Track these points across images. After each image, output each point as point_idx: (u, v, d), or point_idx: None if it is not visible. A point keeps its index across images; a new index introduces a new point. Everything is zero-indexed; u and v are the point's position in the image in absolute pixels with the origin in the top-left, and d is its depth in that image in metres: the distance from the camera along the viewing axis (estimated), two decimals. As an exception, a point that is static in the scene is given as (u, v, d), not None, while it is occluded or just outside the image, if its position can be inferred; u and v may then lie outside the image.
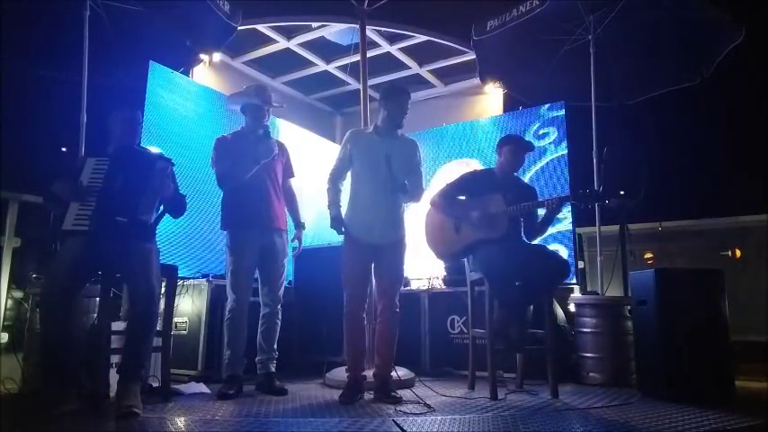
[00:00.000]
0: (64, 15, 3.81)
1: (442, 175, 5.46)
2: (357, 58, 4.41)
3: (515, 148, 3.31)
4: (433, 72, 6.13)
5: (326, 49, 5.80)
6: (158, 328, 2.71)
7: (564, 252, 4.60)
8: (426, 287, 4.52)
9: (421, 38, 5.44)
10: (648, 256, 5.20)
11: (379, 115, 3.15)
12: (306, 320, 4.18)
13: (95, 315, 2.89)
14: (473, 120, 5.65)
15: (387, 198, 3.01)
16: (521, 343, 3.09)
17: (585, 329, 3.60)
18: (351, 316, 3.01)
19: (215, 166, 3.19)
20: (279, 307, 3.25)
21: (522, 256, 3.07)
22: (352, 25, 4.88)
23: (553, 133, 4.90)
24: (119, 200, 2.59)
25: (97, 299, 2.87)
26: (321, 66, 5.98)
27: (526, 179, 4.84)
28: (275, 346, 3.24)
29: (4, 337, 3.40)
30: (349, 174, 3.19)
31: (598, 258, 4.16)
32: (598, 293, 3.81)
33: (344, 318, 3.03)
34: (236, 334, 3.12)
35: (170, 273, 3.02)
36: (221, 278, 3.61)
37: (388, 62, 5.89)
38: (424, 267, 4.60)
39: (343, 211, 3.12)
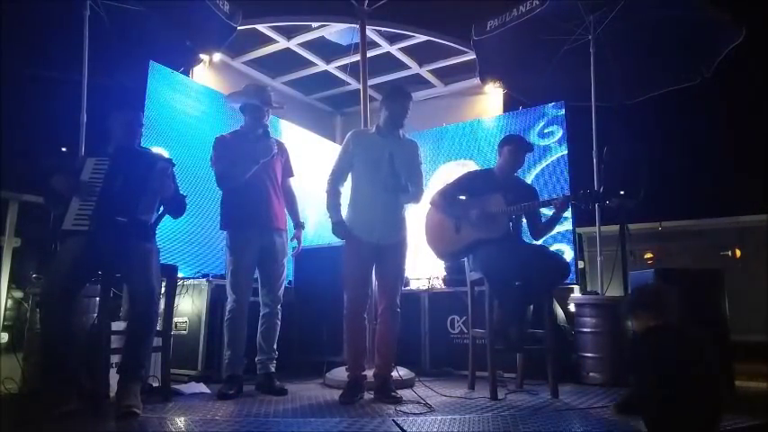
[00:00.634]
0: (64, 15, 3.81)
1: (441, 175, 5.46)
2: (357, 58, 4.41)
3: (515, 148, 3.31)
4: (433, 72, 6.13)
5: (326, 49, 5.80)
6: (158, 328, 2.71)
7: (569, 252, 4.60)
8: (426, 287, 4.52)
9: (421, 38, 5.44)
10: (648, 256, 5.20)
11: (381, 116, 3.16)
12: (306, 320, 4.18)
13: (95, 315, 2.89)
14: (477, 119, 5.65)
15: (388, 198, 3.01)
16: (521, 343, 3.08)
17: (585, 329, 3.60)
18: (351, 316, 3.01)
19: (214, 165, 3.19)
20: (279, 307, 3.24)
21: (522, 256, 3.07)
22: (352, 25, 4.89)
23: (558, 132, 4.90)
24: (119, 200, 2.59)
25: (97, 299, 2.87)
26: (321, 66, 5.98)
27: (530, 177, 4.85)
28: (275, 346, 3.23)
29: (4, 337, 3.40)
30: (349, 175, 3.19)
31: (598, 258, 4.16)
32: (598, 293, 3.81)
33: (345, 318, 3.03)
34: (236, 334, 3.11)
35: (170, 273, 3.02)
36: (221, 278, 3.61)
37: (388, 62, 5.89)
38: (424, 267, 4.60)
39: (344, 211, 3.12)
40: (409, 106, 3.13)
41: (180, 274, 3.89)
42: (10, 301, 3.50)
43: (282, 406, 2.77)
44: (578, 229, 4.84)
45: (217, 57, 5.22)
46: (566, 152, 4.81)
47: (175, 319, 3.54)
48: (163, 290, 2.88)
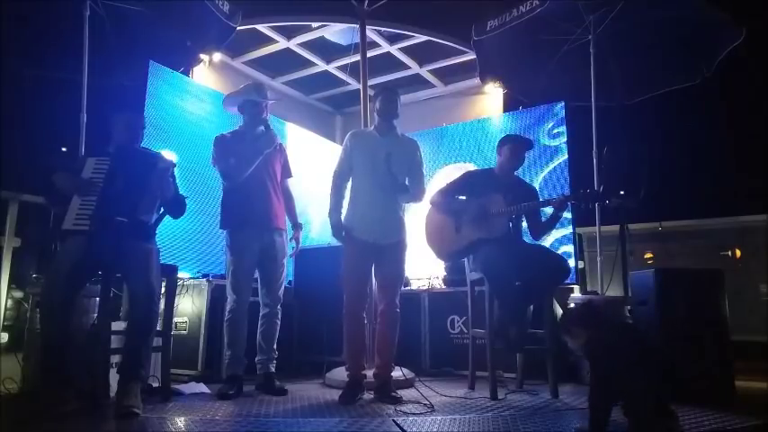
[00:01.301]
0: (64, 15, 3.81)
1: (440, 177, 5.44)
2: (357, 58, 4.42)
3: (515, 146, 3.31)
4: (433, 72, 6.13)
5: (326, 49, 5.81)
6: (158, 328, 2.71)
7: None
8: (426, 287, 4.52)
9: (421, 38, 5.44)
10: (648, 256, 5.20)
11: (374, 116, 3.18)
12: (306, 320, 4.18)
13: (95, 315, 2.89)
14: (484, 118, 5.65)
15: (386, 198, 3.01)
16: (521, 343, 3.08)
17: (585, 329, 3.59)
18: (350, 316, 3.01)
19: (217, 164, 3.19)
20: (279, 307, 3.24)
21: (522, 256, 3.07)
22: (352, 25, 4.89)
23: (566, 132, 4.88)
24: (119, 200, 2.60)
25: (97, 299, 2.87)
26: (321, 66, 5.99)
27: (539, 178, 4.85)
28: (275, 346, 3.23)
29: (4, 337, 3.40)
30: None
31: (598, 258, 4.15)
32: (598, 293, 3.81)
33: (344, 318, 3.03)
34: (236, 334, 3.12)
35: (170, 273, 3.02)
36: (221, 278, 3.61)
37: (388, 62, 5.89)
38: (424, 267, 4.60)
39: (344, 211, 3.12)
40: (395, 98, 3.14)
41: (187, 274, 3.92)
42: (10, 301, 3.50)
43: (282, 406, 2.77)
44: (578, 229, 4.84)
45: (217, 57, 5.22)
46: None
47: (175, 319, 3.55)
48: (163, 290, 2.88)
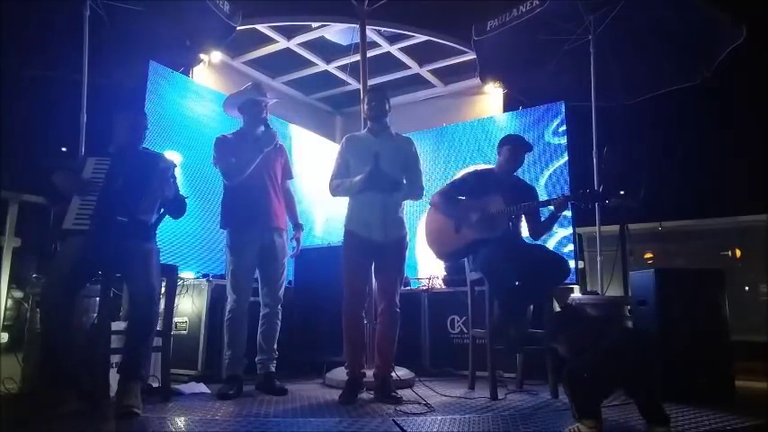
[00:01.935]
0: (64, 15, 3.81)
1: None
2: (357, 58, 4.42)
3: (515, 147, 3.32)
4: (433, 72, 6.14)
5: (326, 49, 5.81)
6: (158, 328, 2.71)
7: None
8: (426, 287, 4.52)
9: (421, 38, 5.44)
10: (648, 256, 5.20)
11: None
12: (306, 320, 4.18)
13: (95, 315, 2.89)
14: (483, 118, 5.64)
15: (382, 197, 3.00)
16: (521, 343, 3.08)
17: (585, 329, 3.59)
18: (349, 315, 3.01)
19: (218, 163, 3.19)
20: (279, 307, 3.24)
21: (521, 256, 3.07)
22: (352, 25, 4.89)
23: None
24: (120, 199, 2.60)
25: (97, 299, 2.87)
26: (321, 66, 5.99)
27: (544, 178, 4.86)
28: (275, 346, 3.23)
29: (4, 337, 3.40)
30: None
31: (598, 258, 4.15)
32: (598, 293, 3.81)
33: (343, 317, 3.03)
34: (237, 334, 3.12)
35: (170, 273, 3.02)
36: (221, 278, 3.61)
37: (388, 62, 5.90)
38: (424, 267, 4.60)
39: (343, 213, 3.12)
40: (382, 97, 3.16)
41: (190, 273, 3.92)
42: (10, 301, 3.50)
43: (282, 406, 2.77)
44: (578, 229, 4.84)
45: (217, 57, 5.23)
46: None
47: (175, 319, 3.54)
48: (163, 290, 2.88)
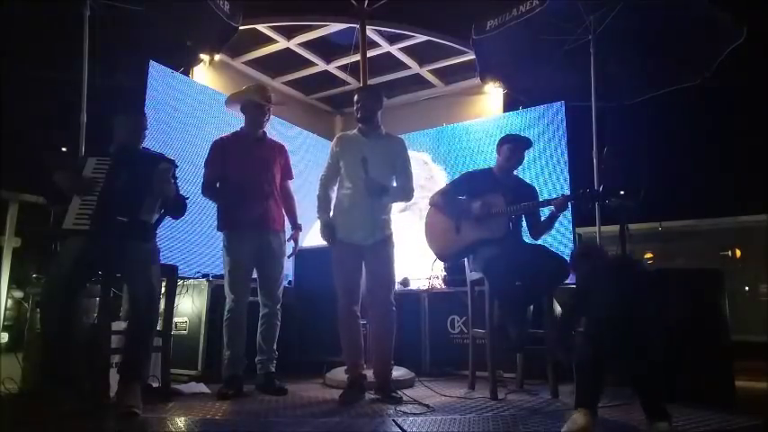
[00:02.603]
0: (64, 15, 3.81)
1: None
2: (357, 57, 4.42)
3: (514, 146, 3.32)
4: (433, 72, 6.14)
5: (326, 49, 5.81)
6: (158, 328, 2.71)
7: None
8: (426, 287, 4.52)
9: (421, 38, 5.44)
10: (648, 256, 5.19)
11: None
12: (306, 320, 4.18)
13: (95, 315, 2.89)
14: (483, 118, 5.64)
15: (368, 199, 2.98)
16: (521, 343, 3.08)
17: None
18: (344, 315, 3.02)
19: (204, 168, 3.21)
20: (278, 307, 3.25)
21: (522, 256, 3.07)
22: (352, 25, 4.89)
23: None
24: (120, 199, 2.60)
25: (97, 299, 2.87)
26: (321, 66, 5.99)
27: (544, 177, 4.86)
28: (275, 346, 3.24)
29: (4, 337, 3.40)
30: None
31: (598, 258, 4.14)
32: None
33: (339, 317, 3.03)
34: (236, 334, 3.12)
35: (170, 273, 3.02)
36: (221, 278, 3.61)
37: (388, 62, 5.90)
38: (424, 267, 4.59)
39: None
40: (370, 96, 3.15)
41: (180, 275, 3.90)
42: (10, 301, 3.50)
43: (282, 406, 2.77)
44: (578, 229, 4.84)
45: (217, 57, 5.22)
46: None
47: (175, 319, 3.54)
48: (163, 290, 2.88)
